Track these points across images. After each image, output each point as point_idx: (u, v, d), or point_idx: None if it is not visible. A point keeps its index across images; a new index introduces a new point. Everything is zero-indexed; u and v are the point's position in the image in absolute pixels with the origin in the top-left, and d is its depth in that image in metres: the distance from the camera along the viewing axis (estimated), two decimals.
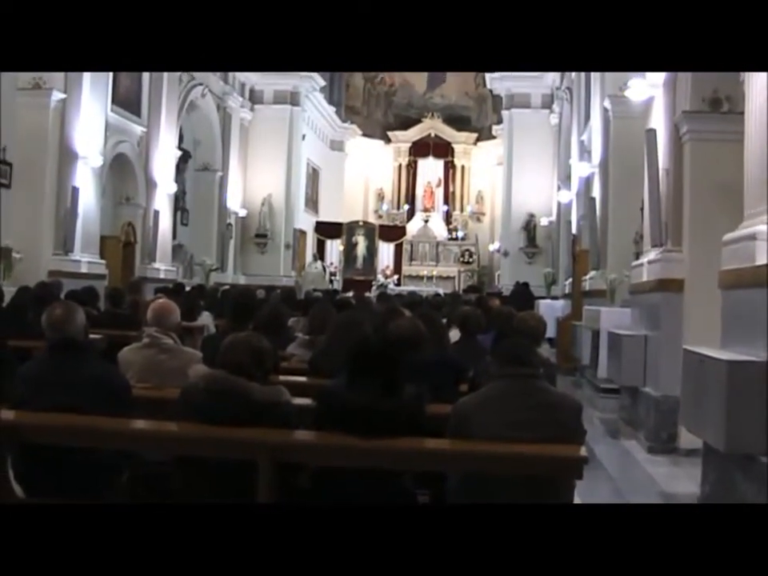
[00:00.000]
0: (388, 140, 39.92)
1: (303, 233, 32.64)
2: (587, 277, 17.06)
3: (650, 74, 10.99)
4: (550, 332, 17.88)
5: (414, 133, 39.57)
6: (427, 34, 3.98)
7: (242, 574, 3.28)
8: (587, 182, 18.30)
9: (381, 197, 39.96)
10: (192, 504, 3.85)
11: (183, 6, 3.95)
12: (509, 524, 3.32)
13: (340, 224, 34.56)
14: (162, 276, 21.41)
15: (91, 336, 6.73)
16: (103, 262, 18.45)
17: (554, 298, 24.22)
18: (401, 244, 36.23)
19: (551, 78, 28.51)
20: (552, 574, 3.18)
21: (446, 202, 39.47)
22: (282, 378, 5.88)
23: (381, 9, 3.94)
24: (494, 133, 35.56)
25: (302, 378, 6.45)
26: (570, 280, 20.35)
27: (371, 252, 34.57)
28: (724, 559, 3.13)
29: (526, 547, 3.22)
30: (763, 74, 6.46)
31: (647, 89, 11.01)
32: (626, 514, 3.58)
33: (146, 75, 21.22)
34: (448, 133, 39.21)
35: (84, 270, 17.25)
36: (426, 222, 38.24)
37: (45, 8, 3.95)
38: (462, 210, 39.21)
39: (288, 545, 3.30)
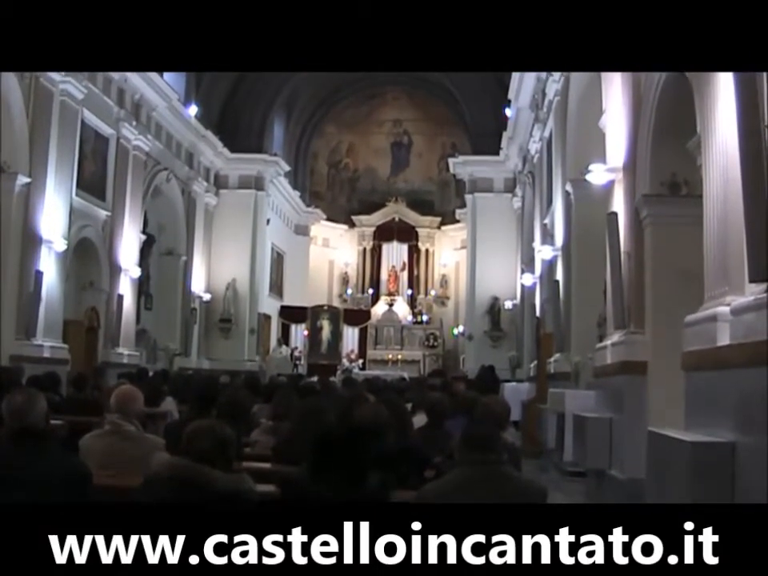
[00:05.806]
0: (352, 224, 40.05)
1: (268, 317, 32.58)
2: (552, 359, 17.08)
3: (610, 159, 11.16)
4: (516, 415, 17.82)
5: (378, 217, 39.71)
6: (422, 35, 4.06)
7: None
8: (550, 266, 18.40)
9: (345, 281, 39.96)
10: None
11: (176, 8, 4.01)
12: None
13: (305, 308, 34.56)
14: (125, 361, 21.22)
15: (53, 422, 6.63)
16: (66, 346, 18.27)
17: (519, 381, 24.22)
18: (365, 328, 36.25)
19: (513, 162, 28.86)
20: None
21: (410, 285, 39.50)
22: (245, 464, 5.83)
23: (381, 11, 4.02)
24: (457, 217, 35.68)
25: (266, 465, 6.39)
26: (535, 363, 20.36)
27: (336, 336, 34.57)
28: (723, 559, 3.13)
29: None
30: (720, 157, 6.59)
31: (607, 173, 11.15)
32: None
33: (110, 160, 21.31)
34: (412, 217, 39.38)
35: (46, 354, 17.07)
36: (391, 305, 38.22)
37: (39, 8, 3.99)
38: (426, 293, 39.29)
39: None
